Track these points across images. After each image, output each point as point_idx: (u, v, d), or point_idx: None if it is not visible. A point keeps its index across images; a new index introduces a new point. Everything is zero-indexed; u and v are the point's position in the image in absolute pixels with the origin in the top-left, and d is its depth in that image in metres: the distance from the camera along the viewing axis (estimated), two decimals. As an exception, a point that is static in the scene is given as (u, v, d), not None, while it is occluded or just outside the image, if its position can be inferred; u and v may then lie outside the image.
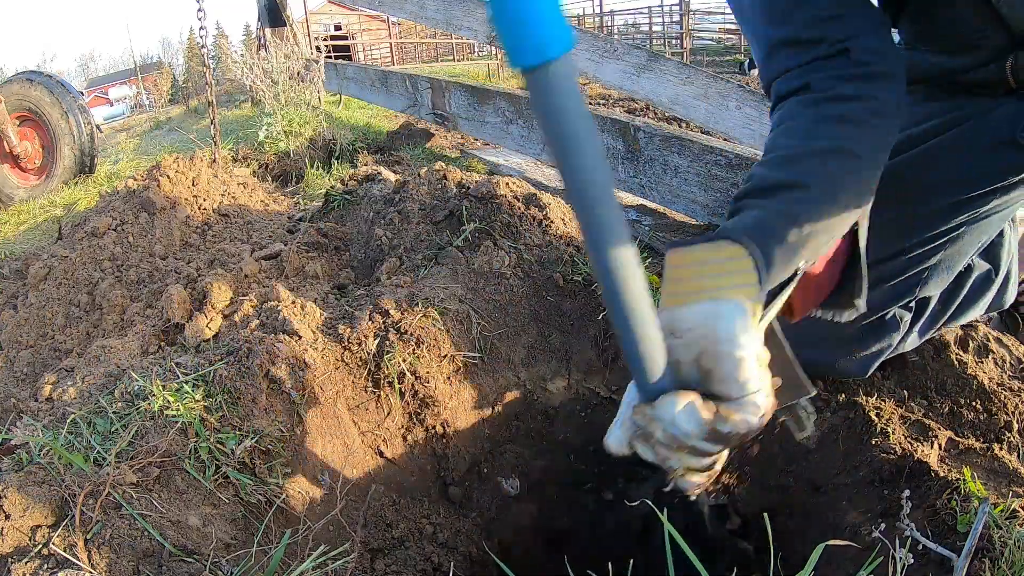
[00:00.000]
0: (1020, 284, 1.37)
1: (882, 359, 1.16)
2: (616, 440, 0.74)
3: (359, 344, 1.29)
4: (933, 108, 1.04)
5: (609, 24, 20.38)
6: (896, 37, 1.09)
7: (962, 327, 1.32)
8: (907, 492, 0.81)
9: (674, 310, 0.66)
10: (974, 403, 1.19)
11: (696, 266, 0.68)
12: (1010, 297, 1.30)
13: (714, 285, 0.66)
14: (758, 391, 0.64)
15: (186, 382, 1.06)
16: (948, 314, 1.18)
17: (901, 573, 0.70)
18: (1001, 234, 1.19)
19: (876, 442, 1.09)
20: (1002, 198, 1.02)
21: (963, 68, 0.98)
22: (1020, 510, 0.84)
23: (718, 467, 0.71)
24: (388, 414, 1.29)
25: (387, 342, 1.29)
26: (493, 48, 7.05)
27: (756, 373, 0.64)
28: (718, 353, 0.64)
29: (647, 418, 0.67)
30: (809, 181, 0.74)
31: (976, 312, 1.20)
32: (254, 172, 3.57)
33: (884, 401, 1.19)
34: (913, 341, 1.17)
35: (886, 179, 0.87)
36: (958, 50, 0.97)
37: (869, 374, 1.19)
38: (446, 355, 1.33)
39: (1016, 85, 0.94)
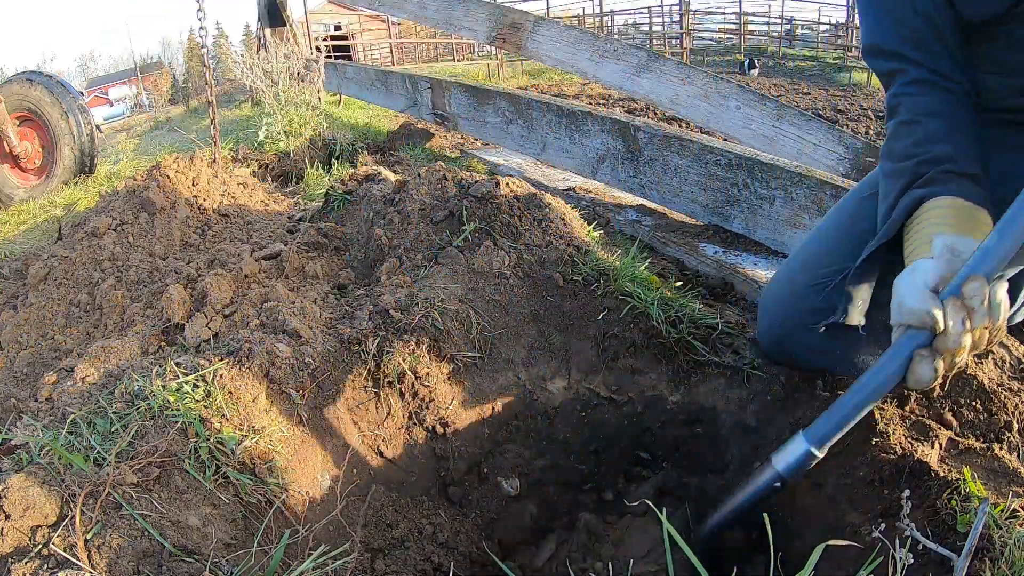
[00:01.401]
0: None
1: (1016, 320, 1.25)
2: (924, 302, 0.84)
3: (359, 344, 1.29)
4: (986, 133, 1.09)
5: (609, 24, 20.38)
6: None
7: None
8: (907, 492, 0.81)
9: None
10: (974, 403, 1.19)
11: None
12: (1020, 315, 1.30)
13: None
14: None
15: (186, 382, 1.06)
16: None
17: (901, 573, 0.70)
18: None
19: (876, 442, 1.09)
20: None
21: (1020, 90, 1.04)
22: (1020, 510, 0.84)
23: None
24: (388, 414, 1.29)
25: (387, 342, 1.29)
26: (493, 48, 7.06)
27: None
28: None
29: (981, 292, 0.80)
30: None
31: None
32: (254, 172, 3.57)
33: (884, 401, 1.19)
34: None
35: None
36: (1009, 72, 1.03)
37: None
38: (446, 355, 1.33)
39: None
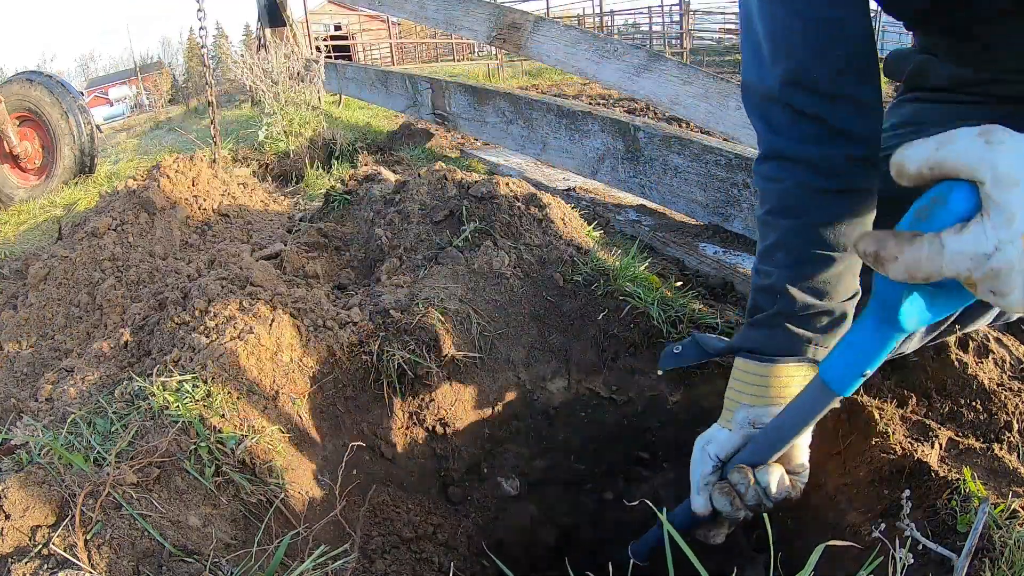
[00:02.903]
0: None
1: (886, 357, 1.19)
2: (701, 506, 0.92)
3: (359, 344, 1.29)
4: (952, 111, 1.05)
5: (609, 24, 20.38)
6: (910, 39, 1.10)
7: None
8: (907, 492, 0.81)
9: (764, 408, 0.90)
10: (974, 403, 1.19)
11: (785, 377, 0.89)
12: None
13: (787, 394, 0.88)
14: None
15: (186, 382, 1.06)
16: (953, 319, 1.18)
17: (901, 573, 0.70)
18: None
19: (876, 442, 1.09)
20: None
21: (994, 79, 0.98)
22: (1020, 510, 0.84)
23: None
24: (388, 414, 1.29)
25: (387, 342, 1.29)
26: (493, 48, 7.06)
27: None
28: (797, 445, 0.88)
29: (748, 480, 0.85)
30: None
31: (983, 322, 1.21)
32: (254, 172, 3.57)
33: (884, 401, 1.19)
34: (917, 341, 1.18)
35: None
36: (996, 68, 0.98)
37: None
38: (446, 355, 1.33)
39: None
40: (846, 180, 0.84)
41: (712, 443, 0.92)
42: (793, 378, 0.87)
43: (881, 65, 0.90)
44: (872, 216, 0.87)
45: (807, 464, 0.90)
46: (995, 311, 1.20)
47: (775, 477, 0.85)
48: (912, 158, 0.54)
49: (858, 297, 0.90)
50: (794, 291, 0.87)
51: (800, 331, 0.87)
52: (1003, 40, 0.91)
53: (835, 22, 0.81)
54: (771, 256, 0.90)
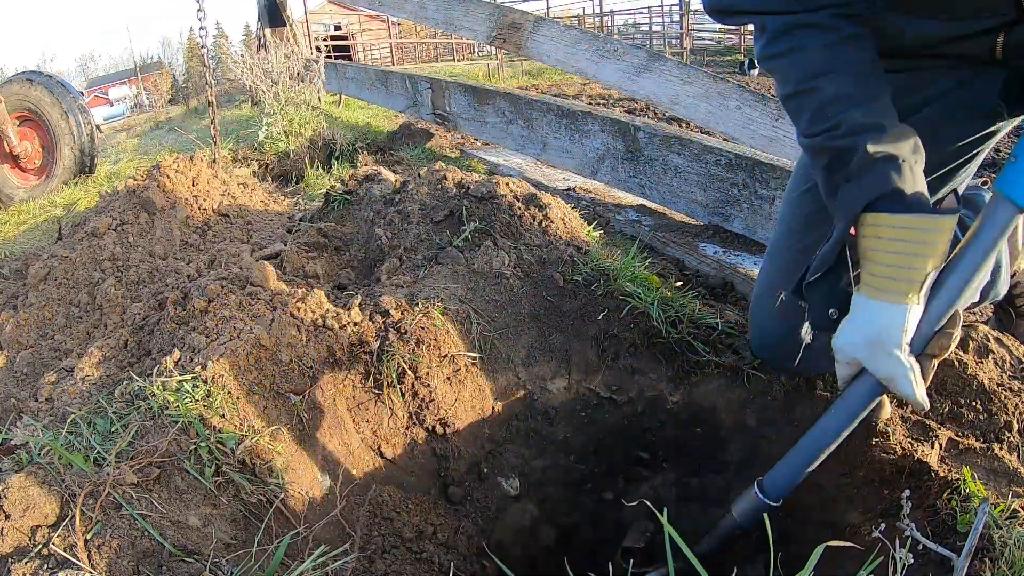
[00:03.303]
0: (1012, 277, 1.38)
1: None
2: (924, 397, 0.84)
3: (359, 344, 1.29)
4: (912, 80, 1.04)
5: (609, 24, 20.38)
6: None
7: (962, 327, 1.32)
8: (907, 492, 0.81)
9: None
10: (974, 403, 1.19)
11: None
12: (1002, 289, 1.30)
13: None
14: None
15: (186, 382, 1.06)
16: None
17: (901, 573, 0.70)
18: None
19: (876, 442, 1.09)
20: (974, 161, 1.07)
21: (951, 38, 0.96)
22: (1020, 510, 0.84)
23: None
24: (388, 414, 1.29)
25: (387, 342, 1.29)
26: (493, 48, 7.06)
27: None
28: None
29: (949, 336, 0.83)
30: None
31: (968, 298, 1.21)
32: (254, 172, 3.57)
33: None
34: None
35: None
36: (954, 16, 0.95)
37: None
38: (446, 355, 1.33)
39: (1001, 58, 0.94)
40: (855, 29, 0.89)
41: (910, 329, 0.82)
42: (951, 231, 0.82)
43: None
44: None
45: None
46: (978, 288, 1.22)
47: (959, 320, 0.85)
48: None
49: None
50: (878, 120, 0.85)
51: (904, 154, 0.84)
52: None
53: None
54: (830, 109, 0.88)
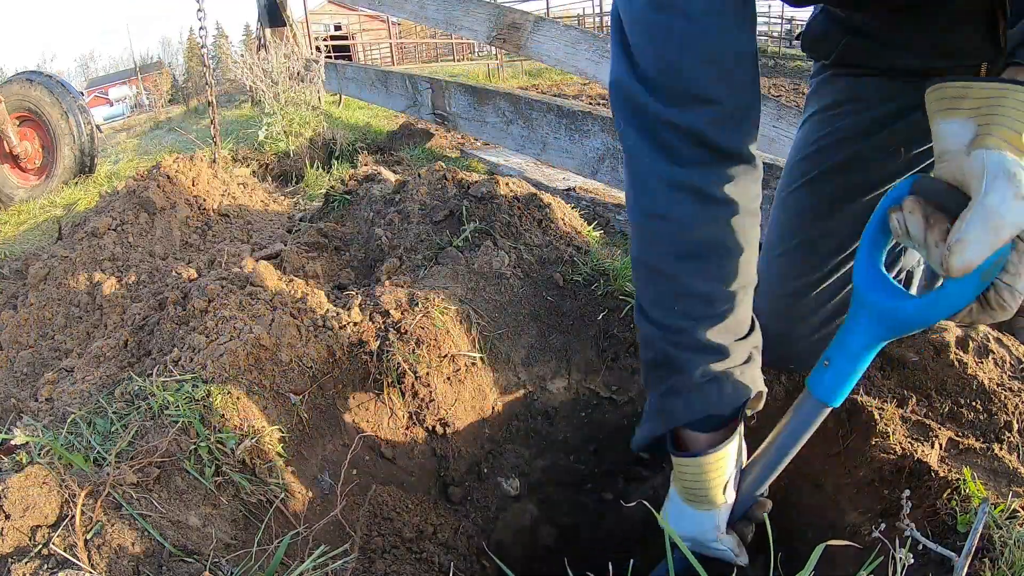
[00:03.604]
0: None
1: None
2: (746, 559, 0.92)
3: (359, 344, 1.29)
4: (888, 88, 1.04)
5: (609, 24, 20.35)
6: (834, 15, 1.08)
7: (962, 327, 1.32)
8: (907, 492, 0.81)
9: None
10: (974, 403, 1.19)
11: None
12: None
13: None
14: None
15: (186, 382, 1.06)
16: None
17: (901, 573, 0.70)
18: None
19: (876, 442, 1.09)
20: None
21: (933, 69, 0.97)
22: (1020, 510, 0.84)
23: None
24: (388, 414, 1.29)
25: (387, 342, 1.29)
26: (493, 48, 7.06)
27: None
28: None
29: (767, 506, 0.89)
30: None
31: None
32: (254, 172, 3.57)
33: (884, 401, 1.19)
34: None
35: (855, 166, 1.01)
36: (936, 53, 0.97)
37: None
38: (446, 355, 1.33)
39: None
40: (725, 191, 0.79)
41: (722, 525, 0.89)
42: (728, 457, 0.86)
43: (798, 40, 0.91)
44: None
45: None
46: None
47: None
48: (974, 251, 0.59)
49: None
50: (711, 340, 0.81)
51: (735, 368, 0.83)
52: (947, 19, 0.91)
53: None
54: (682, 305, 0.81)
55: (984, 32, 0.90)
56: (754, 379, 0.84)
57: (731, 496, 0.88)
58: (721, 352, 0.81)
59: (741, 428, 0.87)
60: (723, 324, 0.81)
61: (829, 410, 0.78)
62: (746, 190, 0.79)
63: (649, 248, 0.83)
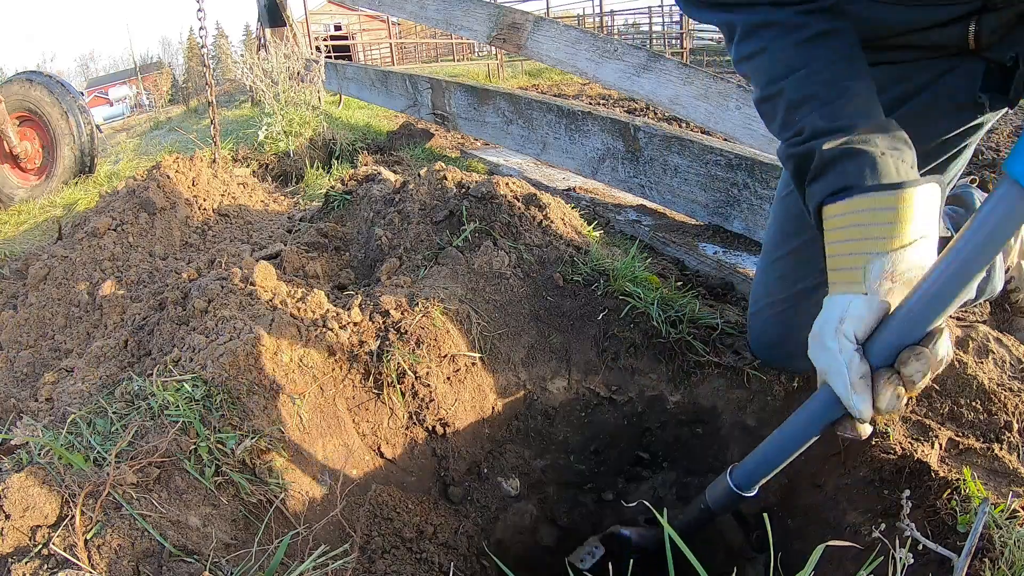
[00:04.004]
0: (1006, 273, 1.38)
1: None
2: (863, 406, 0.71)
3: (359, 344, 1.29)
4: (892, 73, 1.04)
5: (609, 24, 20.36)
6: None
7: (962, 327, 1.32)
8: (907, 492, 0.81)
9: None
10: (974, 403, 1.19)
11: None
12: (998, 285, 1.30)
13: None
14: None
15: (186, 381, 1.06)
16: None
17: (901, 573, 0.70)
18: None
19: (876, 442, 1.09)
20: (962, 156, 1.07)
21: (920, 26, 0.96)
22: (1020, 510, 0.84)
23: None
24: (388, 414, 1.29)
25: (387, 342, 1.29)
26: (493, 48, 7.06)
27: None
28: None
29: (928, 364, 0.68)
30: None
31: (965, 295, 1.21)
32: (254, 172, 3.57)
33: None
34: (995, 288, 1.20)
35: None
36: (922, 3, 0.95)
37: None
38: (446, 355, 1.33)
39: (975, 48, 0.94)
40: (822, 23, 0.85)
41: (848, 319, 0.70)
42: (919, 208, 0.71)
43: None
44: (858, 46, 0.87)
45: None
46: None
47: (946, 344, 0.67)
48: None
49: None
50: (841, 123, 0.79)
51: (872, 149, 0.76)
52: None
53: None
54: (797, 112, 0.84)
55: None
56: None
57: (876, 296, 0.69)
58: (840, 130, 0.80)
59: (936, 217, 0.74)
60: (835, 109, 0.82)
61: None
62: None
63: (762, 81, 0.90)
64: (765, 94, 0.90)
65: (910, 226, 0.70)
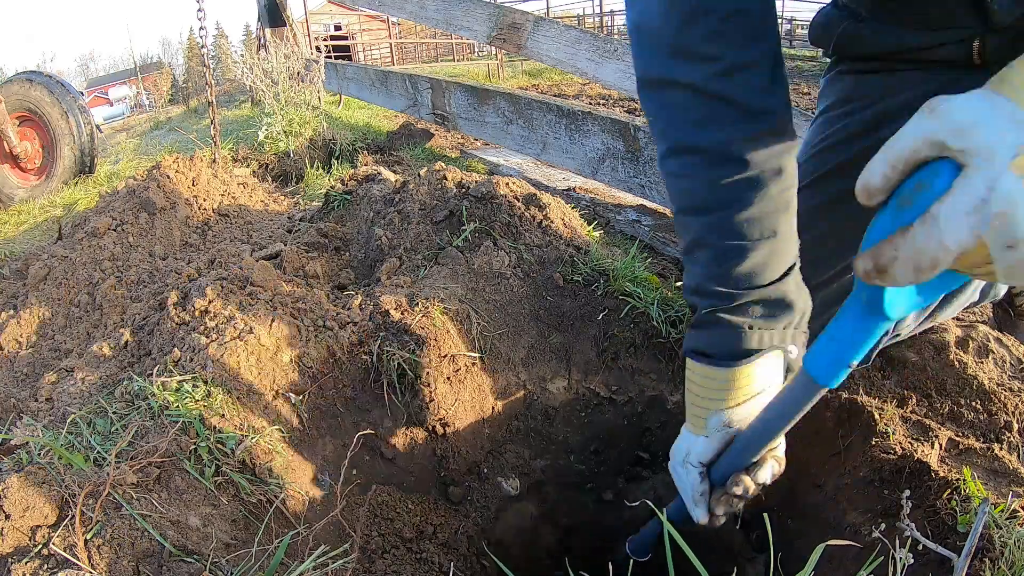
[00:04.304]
0: None
1: (881, 345, 1.20)
2: (702, 517, 0.90)
3: (359, 344, 1.29)
4: (893, 82, 1.04)
5: (609, 24, 20.36)
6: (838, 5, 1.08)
7: (962, 327, 1.32)
8: (907, 492, 0.81)
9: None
10: (974, 403, 1.19)
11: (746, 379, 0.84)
12: (1001, 288, 1.30)
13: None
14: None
15: (186, 381, 1.06)
16: (940, 299, 1.19)
17: (901, 573, 0.70)
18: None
19: (876, 442, 1.09)
20: None
21: (926, 45, 0.97)
22: (1020, 510, 0.84)
23: None
24: (388, 414, 1.29)
25: (387, 342, 1.29)
26: (493, 48, 7.07)
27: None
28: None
29: (749, 488, 0.84)
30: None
31: (967, 299, 1.21)
32: (254, 172, 3.57)
33: (884, 401, 1.19)
34: (910, 326, 1.19)
35: (860, 165, 0.96)
36: (924, 27, 0.96)
37: (871, 361, 1.26)
38: (446, 355, 1.33)
39: (981, 63, 0.94)
40: (754, 163, 0.76)
41: (692, 454, 0.88)
42: (755, 375, 0.83)
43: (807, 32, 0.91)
44: (793, 192, 0.81)
45: (783, 440, 0.86)
46: (977, 287, 1.20)
47: (769, 471, 0.83)
48: (873, 171, 0.52)
49: (794, 269, 0.84)
50: (720, 288, 0.82)
51: (739, 320, 0.82)
52: None
53: None
54: (692, 255, 0.85)
55: (969, 1, 0.90)
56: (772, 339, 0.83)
57: (718, 435, 0.85)
58: (728, 298, 0.82)
59: (772, 385, 0.84)
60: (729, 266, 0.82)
61: (823, 391, 0.74)
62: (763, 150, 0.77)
63: (673, 204, 0.88)
64: (678, 217, 0.87)
65: (745, 390, 0.83)
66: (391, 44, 17.00)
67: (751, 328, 0.82)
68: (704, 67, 0.74)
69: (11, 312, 1.98)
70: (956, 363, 1.23)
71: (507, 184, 1.75)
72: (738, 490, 0.84)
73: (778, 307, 0.83)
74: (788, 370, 0.87)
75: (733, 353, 0.83)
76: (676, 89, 0.78)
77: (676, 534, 0.73)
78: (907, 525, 0.76)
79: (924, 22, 0.96)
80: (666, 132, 0.83)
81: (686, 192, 0.83)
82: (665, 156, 0.84)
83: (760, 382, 0.83)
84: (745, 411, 0.84)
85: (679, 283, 1.78)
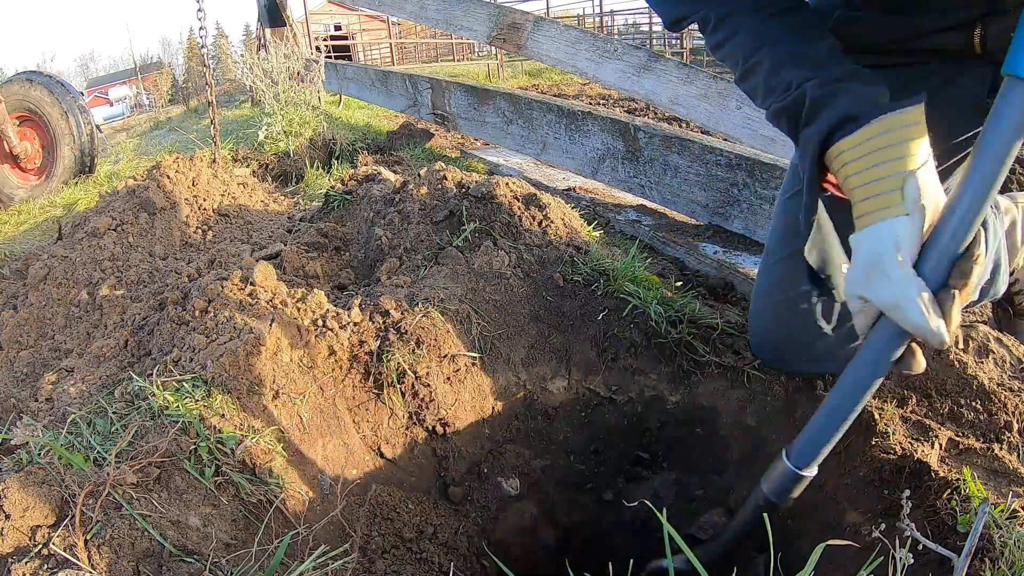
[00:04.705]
0: (1010, 275, 1.38)
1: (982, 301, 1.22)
2: (940, 325, 0.69)
3: (359, 344, 1.29)
4: (899, 78, 1.03)
5: (609, 24, 20.36)
6: None
7: (962, 327, 1.32)
8: (907, 492, 0.81)
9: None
10: (974, 403, 1.19)
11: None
12: (1001, 287, 1.30)
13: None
14: None
15: (185, 381, 1.06)
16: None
17: (901, 573, 0.70)
18: (985, 222, 1.19)
19: (876, 442, 1.09)
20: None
21: (926, 30, 0.97)
22: (1020, 510, 0.84)
23: None
24: (388, 414, 1.29)
25: (387, 342, 1.29)
26: (493, 48, 7.06)
27: None
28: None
29: (980, 259, 0.68)
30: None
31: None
32: (254, 172, 3.57)
33: (884, 401, 1.19)
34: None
35: None
36: (926, 10, 0.96)
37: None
38: (446, 355, 1.33)
39: (981, 52, 0.94)
40: (780, 3, 0.91)
41: (903, 242, 0.69)
42: (924, 126, 0.72)
43: None
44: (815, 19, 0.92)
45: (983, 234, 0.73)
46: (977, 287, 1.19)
47: (982, 241, 0.68)
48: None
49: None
50: (823, 71, 0.83)
51: (859, 87, 0.79)
52: None
53: None
54: (777, 77, 0.88)
55: None
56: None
57: (918, 212, 0.68)
58: (822, 74, 0.83)
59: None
60: (810, 62, 0.86)
61: None
62: None
63: (740, 59, 0.95)
64: (744, 70, 0.95)
65: (921, 142, 0.71)
66: (391, 44, 16.99)
67: (871, 89, 0.80)
68: None
69: (11, 312, 1.98)
70: (956, 363, 1.23)
71: (507, 184, 1.75)
72: (978, 270, 0.67)
73: (877, 83, 0.82)
74: None
75: (878, 104, 0.75)
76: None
77: (676, 536, 0.73)
78: (907, 525, 0.76)
79: (925, 4, 0.96)
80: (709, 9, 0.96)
81: (746, 40, 0.92)
82: (712, 32, 0.97)
83: (926, 145, 0.71)
84: (929, 176, 0.70)
85: (679, 283, 1.78)
